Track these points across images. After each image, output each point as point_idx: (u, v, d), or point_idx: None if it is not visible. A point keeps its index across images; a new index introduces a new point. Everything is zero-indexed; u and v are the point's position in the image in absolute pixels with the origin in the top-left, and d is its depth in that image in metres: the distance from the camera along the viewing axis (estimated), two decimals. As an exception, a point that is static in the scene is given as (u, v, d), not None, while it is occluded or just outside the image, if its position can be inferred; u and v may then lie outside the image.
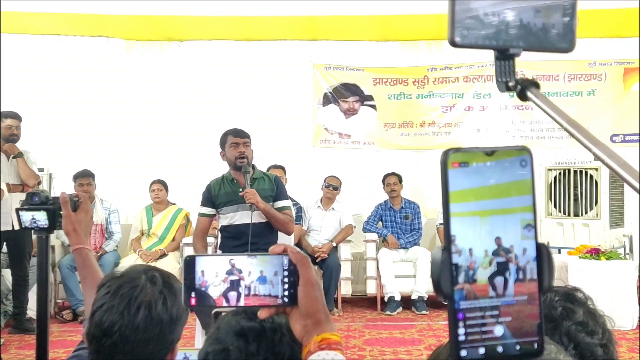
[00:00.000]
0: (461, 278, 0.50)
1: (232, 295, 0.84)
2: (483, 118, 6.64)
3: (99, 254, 5.33)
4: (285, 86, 6.67)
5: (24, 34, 6.36)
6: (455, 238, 0.50)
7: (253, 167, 3.58)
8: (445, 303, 0.50)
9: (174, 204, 5.82)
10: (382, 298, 5.41)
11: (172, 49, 6.70)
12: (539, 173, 5.64)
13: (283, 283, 0.85)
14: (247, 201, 3.29)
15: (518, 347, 0.49)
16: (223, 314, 1.24)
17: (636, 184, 0.50)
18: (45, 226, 1.47)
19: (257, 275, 0.85)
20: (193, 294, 0.84)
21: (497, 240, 0.50)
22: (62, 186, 5.55)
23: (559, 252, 5.47)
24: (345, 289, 5.47)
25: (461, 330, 0.49)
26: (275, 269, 0.86)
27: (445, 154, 0.50)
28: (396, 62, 6.69)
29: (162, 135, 6.62)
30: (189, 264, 0.84)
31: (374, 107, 6.72)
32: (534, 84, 0.62)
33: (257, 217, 3.39)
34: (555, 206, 5.56)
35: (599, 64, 6.45)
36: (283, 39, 6.64)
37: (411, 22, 6.25)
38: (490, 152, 0.51)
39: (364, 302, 5.64)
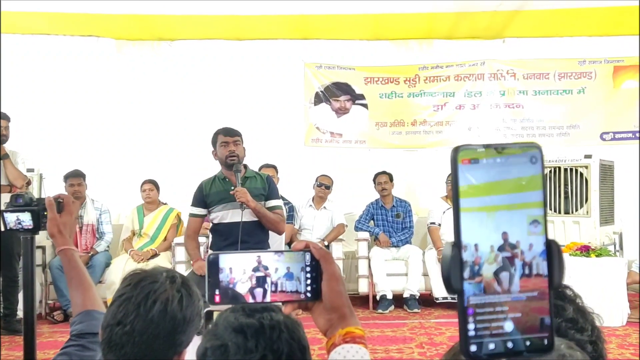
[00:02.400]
0: (466, 273, 0.50)
1: (259, 291, 0.86)
2: (474, 116, 6.66)
3: (90, 255, 5.31)
4: (276, 85, 6.66)
5: (14, 34, 6.32)
6: (462, 234, 0.50)
7: (245, 166, 3.58)
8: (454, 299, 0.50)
9: (165, 203, 5.81)
10: (374, 296, 5.42)
11: (163, 48, 6.68)
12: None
13: (305, 279, 0.87)
14: (237, 200, 3.29)
15: (528, 343, 0.49)
16: (215, 312, 1.24)
17: None
18: (30, 227, 1.47)
19: (284, 271, 0.87)
20: (217, 292, 0.85)
21: (504, 235, 0.50)
22: (52, 186, 5.52)
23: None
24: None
25: (471, 326, 0.49)
26: (301, 265, 0.87)
27: (456, 151, 0.50)
28: (387, 61, 6.70)
29: (153, 135, 6.60)
30: (213, 263, 0.85)
31: (365, 106, 6.73)
32: None
33: (247, 216, 3.38)
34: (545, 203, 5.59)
35: (588, 62, 6.48)
36: (274, 38, 6.63)
37: (402, 21, 6.26)
38: (500, 149, 0.51)
39: (356, 300, 5.65)
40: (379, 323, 4.89)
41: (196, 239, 3.62)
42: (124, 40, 6.62)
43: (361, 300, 5.59)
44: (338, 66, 6.73)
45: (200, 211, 3.55)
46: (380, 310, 5.28)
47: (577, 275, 4.62)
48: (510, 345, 0.49)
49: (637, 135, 6.45)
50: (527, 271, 0.50)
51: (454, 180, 0.50)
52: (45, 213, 1.45)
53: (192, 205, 3.57)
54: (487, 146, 0.51)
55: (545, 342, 0.50)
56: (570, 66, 6.52)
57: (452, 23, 6.22)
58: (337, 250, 5.56)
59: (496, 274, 0.50)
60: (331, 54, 6.71)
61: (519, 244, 0.50)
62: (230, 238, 3.39)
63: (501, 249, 0.50)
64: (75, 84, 6.53)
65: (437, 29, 6.45)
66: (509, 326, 0.49)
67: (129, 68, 6.63)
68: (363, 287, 5.51)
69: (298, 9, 5.95)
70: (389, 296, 5.37)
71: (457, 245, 0.50)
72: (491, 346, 0.49)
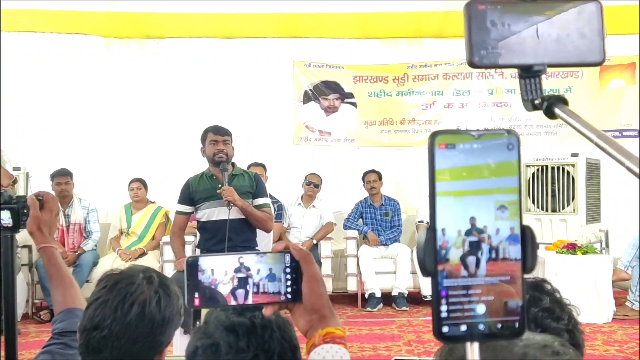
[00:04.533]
0: None
1: (240, 293, 0.85)
2: (463, 115, 6.69)
3: (77, 254, 5.28)
4: (265, 84, 6.65)
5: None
6: (436, 218, 0.50)
7: (233, 164, 3.57)
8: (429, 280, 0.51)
9: (153, 202, 5.79)
10: (363, 295, 5.43)
11: (151, 46, 6.65)
12: (517, 169, 5.70)
13: (286, 280, 0.87)
14: (224, 199, 3.29)
15: (499, 326, 0.50)
16: (204, 310, 1.23)
17: None
18: (10, 225, 1.45)
19: (266, 272, 0.86)
20: (197, 294, 0.84)
21: (471, 220, 0.50)
22: (39, 185, 5.48)
23: (537, 247, 5.53)
24: (326, 286, 5.46)
25: (443, 307, 0.49)
26: (283, 267, 0.87)
27: (433, 135, 0.50)
28: (376, 59, 6.71)
29: (141, 133, 6.57)
30: (192, 266, 0.85)
31: (354, 104, 6.74)
32: (561, 100, 0.60)
33: (235, 214, 3.38)
34: (533, 202, 5.63)
35: (575, 61, 6.51)
36: (263, 36, 6.62)
37: (391, 20, 6.28)
38: (477, 135, 0.51)
39: (344, 299, 5.66)
40: (368, 321, 4.90)
41: (182, 236, 3.60)
42: (112, 38, 6.58)
43: (350, 299, 5.60)
44: (327, 65, 6.73)
45: (186, 208, 3.54)
46: (368, 309, 5.29)
47: (563, 272, 4.66)
48: (481, 327, 0.50)
49: (624, 133, 6.51)
50: (493, 255, 0.50)
51: (430, 164, 0.50)
52: (26, 211, 1.44)
53: (178, 202, 3.56)
54: (464, 131, 0.51)
55: (517, 325, 0.50)
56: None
57: (441, 22, 6.24)
58: (326, 249, 5.56)
59: (463, 258, 0.50)
60: (320, 52, 6.71)
61: (486, 229, 0.50)
62: (217, 236, 3.38)
63: (468, 233, 0.50)
64: (62, 82, 6.48)
65: (425, 27, 6.47)
66: (481, 309, 0.50)
67: (117, 66, 6.59)
68: (352, 286, 5.53)
69: (287, 8, 5.94)
70: (378, 294, 5.38)
71: (432, 228, 0.50)
72: (463, 328, 0.49)
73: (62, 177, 5.32)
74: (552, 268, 4.68)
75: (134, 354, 1.14)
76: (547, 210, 5.55)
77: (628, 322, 4.60)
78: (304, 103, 6.74)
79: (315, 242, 5.59)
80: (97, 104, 6.55)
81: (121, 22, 6.25)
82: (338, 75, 6.73)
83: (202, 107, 6.50)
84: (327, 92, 6.72)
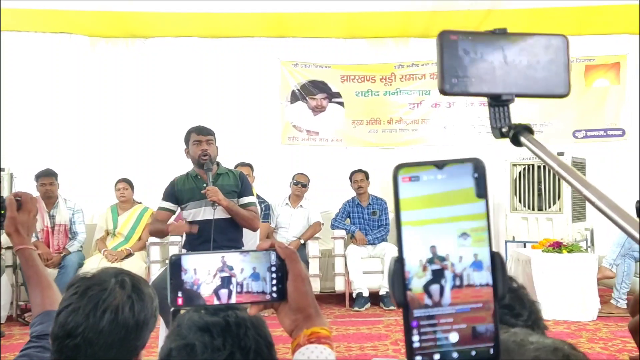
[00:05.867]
0: None
1: (224, 292, 0.83)
2: (450, 114, 6.71)
3: (62, 255, 5.23)
4: (252, 83, 6.64)
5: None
6: (403, 249, 0.50)
7: (218, 163, 3.56)
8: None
9: (140, 202, 5.75)
10: (351, 294, 5.44)
11: (137, 46, 6.61)
12: (504, 168, 5.74)
13: (271, 279, 0.85)
14: (208, 198, 3.28)
15: (474, 353, 0.50)
16: (182, 311, 1.22)
17: (634, 233, 0.50)
18: (-14, 226, 1.43)
19: (250, 272, 0.84)
20: (180, 294, 0.82)
21: (432, 248, 0.50)
22: (23, 186, 5.42)
23: (524, 246, 5.58)
24: (314, 286, 5.44)
25: (415, 338, 0.49)
26: (267, 265, 0.85)
27: (396, 169, 0.51)
28: (363, 59, 6.72)
29: (127, 133, 6.53)
30: (175, 264, 0.83)
31: (341, 104, 6.74)
32: (526, 129, 0.61)
33: (220, 213, 3.37)
34: (520, 201, 5.66)
35: (561, 61, 6.55)
36: (250, 36, 6.60)
37: (378, 20, 6.28)
38: (441, 165, 0.51)
39: (332, 298, 5.66)
40: (355, 320, 4.90)
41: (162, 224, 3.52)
42: (97, 38, 6.53)
43: (337, 298, 5.61)
44: (314, 64, 6.72)
45: (170, 205, 3.51)
46: (356, 308, 5.29)
47: (549, 271, 4.70)
48: (455, 355, 0.50)
49: (608, 132, 6.57)
50: (457, 282, 0.50)
51: (395, 196, 0.51)
52: (3, 212, 1.42)
53: (162, 199, 3.53)
54: (427, 163, 0.51)
55: (491, 351, 0.50)
56: (543, 65, 6.59)
57: (428, 22, 6.25)
58: (314, 249, 5.56)
59: (426, 286, 0.50)
60: (307, 52, 6.71)
61: (449, 257, 0.50)
62: (202, 236, 3.36)
63: (430, 261, 0.50)
64: (47, 82, 6.42)
65: (412, 27, 6.49)
66: (453, 337, 0.50)
67: (103, 66, 6.54)
68: (339, 285, 5.52)
69: (274, 7, 5.93)
70: (365, 294, 5.39)
71: (400, 260, 0.50)
72: (436, 357, 0.49)
73: (46, 177, 5.27)
74: (538, 266, 4.71)
75: (108, 359, 1.13)
76: (533, 209, 5.58)
77: (612, 320, 4.64)
78: (291, 103, 6.73)
79: (302, 242, 5.58)
80: (83, 103, 6.50)
81: (107, 21, 6.21)
82: (325, 75, 6.73)
83: (189, 107, 6.47)
84: (314, 91, 6.72)
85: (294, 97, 6.73)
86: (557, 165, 0.57)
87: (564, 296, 4.66)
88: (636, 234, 0.49)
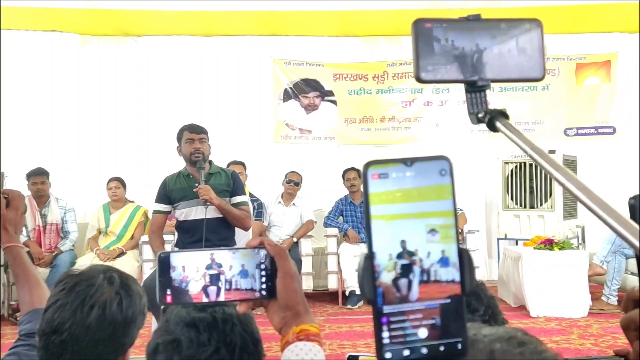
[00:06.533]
0: None
1: (212, 290, 0.82)
2: (442, 113, 6.73)
3: (54, 254, 5.21)
4: (245, 82, 6.63)
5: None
6: (372, 244, 0.51)
7: (210, 162, 3.55)
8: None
9: (132, 201, 5.73)
10: (344, 292, 5.44)
11: (129, 44, 6.58)
12: (496, 166, 5.77)
13: (260, 276, 0.85)
14: (200, 197, 3.27)
15: (442, 348, 0.50)
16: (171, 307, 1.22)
17: (602, 212, 0.51)
18: (-28, 225, 1.42)
19: (238, 269, 0.84)
20: (169, 291, 0.82)
21: (402, 243, 0.51)
22: (14, 185, 5.39)
23: (516, 244, 5.60)
24: (307, 284, 5.48)
25: (385, 334, 0.50)
26: (256, 263, 0.85)
27: (366, 166, 0.51)
28: (356, 57, 6.72)
29: (119, 131, 6.50)
30: (164, 262, 0.82)
31: (334, 102, 6.75)
32: (502, 114, 0.62)
33: (212, 212, 3.36)
34: (512, 198, 5.69)
35: (552, 60, 6.60)
36: (242, 34, 6.60)
37: (370, 18, 6.29)
38: (409, 162, 0.52)
39: (325, 297, 5.67)
40: (348, 318, 4.91)
41: (160, 235, 3.57)
42: (89, 36, 6.51)
43: (330, 297, 5.61)
44: (307, 62, 6.72)
45: (164, 207, 3.51)
46: (349, 306, 5.30)
47: (541, 268, 4.72)
48: (424, 351, 0.50)
49: (599, 130, 6.61)
50: (425, 278, 0.51)
51: (364, 192, 0.51)
52: (-10, 210, 1.41)
53: (156, 201, 3.53)
54: (396, 160, 0.52)
55: (459, 346, 0.51)
56: (534, 63, 6.62)
57: (420, 20, 6.26)
58: (307, 247, 5.56)
59: (395, 280, 0.50)
60: (300, 50, 6.71)
61: (417, 252, 0.51)
62: (195, 235, 3.36)
63: (399, 256, 0.51)
64: (38, 80, 6.39)
65: (405, 25, 6.46)
66: (422, 333, 0.50)
67: (94, 64, 6.51)
68: (332, 283, 5.53)
69: (267, 6, 5.92)
70: (358, 292, 5.38)
71: (369, 255, 0.50)
72: (405, 352, 0.50)
73: (38, 176, 5.24)
74: (529, 264, 4.73)
75: (95, 356, 1.12)
76: (525, 207, 5.61)
77: (603, 316, 4.67)
78: (284, 101, 6.73)
79: (295, 240, 5.58)
80: (74, 102, 6.47)
81: (98, 19, 6.18)
82: (318, 73, 6.73)
83: (181, 105, 6.45)
84: (307, 90, 6.72)
85: (287, 96, 6.73)
86: (530, 148, 0.58)
87: (556, 293, 4.69)
88: (613, 222, 0.50)
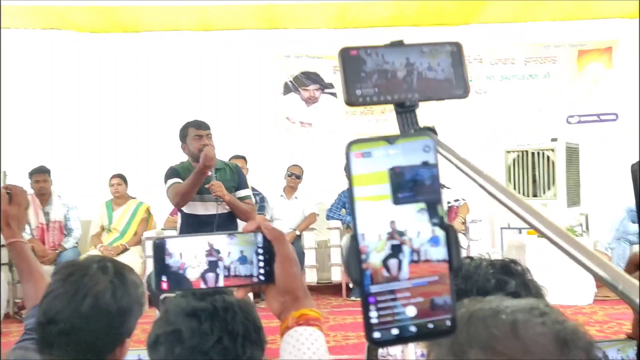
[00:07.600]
0: None
1: (211, 276, 0.81)
2: (443, 103, 6.67)
3: (57, 252, 5.22)
4: (245, 76, 6.60)
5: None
6: (357, 224, 0.50)
7: (214, 157, 3.54)
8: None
9: (134, 198, 5.73)
10: (347, 284, 5.44)
11: (127, 40, 6.56)
12: (498, 156, 5.75)
13: (258, 261, 0.83)
14: (213, 194, 3.28)
15: (431, 326, 0.50)
16: (169, 297, 1.21)
17: (540, 226, 0.53)
18: (-22, 221, 1.41)
19: (237, 255, 0.82)
20: (165, 278, 0.80)
21: (392, 223, 0.50)
22: (16, 183, 5.39)
23: (520, 232, 5.59)
24: (310, 277, 5.49)
25: (373, 314, 0.49)
26: (255, 248, 0.84)
27: (348, 146, 0.51)
28: (355, 49, 6.68)
29: (120, 128, 6.49)
30: (159, 248, 0.81)
31: (334, 94, 6.72)
32: (431, 131, 0.64)
33: (220, 208, 3.38)
34: (515, 187, 5.66)
35: (553, 47, 6.57)
36: (242, 28, 6.57)
37: (369, 9, 6.26)
38: (392, 140, 0.51)
39: (329, 289, 5.67)
40: (352, 310, 4.91)
41: None
42: (87, 33, 6.48)
43: (334, 289, 5.62)
44: (306, 55, 6.70)
45: (181, 181, 3.38)
46: (353, 298, 5.31)
47: (545, 256, 4.71)
48: (413, 329, 0.50)
49: (601, 117, 6.58)
50: (415, 257, 0.51)
51: (347, 172, 0.51)
52: (-7, 206, 1.40)
53: (169, 179, 3.40)
54: (378, 138, 0.51)
55: (448, 323, 0.51)
56: (535, 51, 6.60)
57: (419, 10, 6.24)
58: (309, 240, 5.57)
59: (384, 261, 0.50)
60: (299, 43, 6.68)
61: (407, 232, 0.51)
62: (204, 231, 3.34)
63: (389, 236, 0.50)
64: (37, 78, 6.38)
65: (403, 16, 6.46)
66: (411, 311, 0.50)
67: (93, 61, 6.49)
68: (336, 276, 5.54)
69: (264, -1, 5.90)
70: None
71: (355, 236, 0.50)
72: (394, 332, 0.50)
73: (40, 174, 5.25)
74: (533, 252, 4.73)
75: (92, 346, 1.11)
76: (528, 196, 5.58)
77: (608, 303, 4.67)
78: (284, 94, 6.71)
79: (298, 233, 5.58)
80: (75, 99, 6.46)
81: (96, 16, 6.16)
82: (318, 66, 6.71)
83: (181, 101, 6.44)
84: (307, 83, 6.70)
85: (287, 89, 6.71)
86: (457, 159, 0.60)
87: (560, 281, 4.68)
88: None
